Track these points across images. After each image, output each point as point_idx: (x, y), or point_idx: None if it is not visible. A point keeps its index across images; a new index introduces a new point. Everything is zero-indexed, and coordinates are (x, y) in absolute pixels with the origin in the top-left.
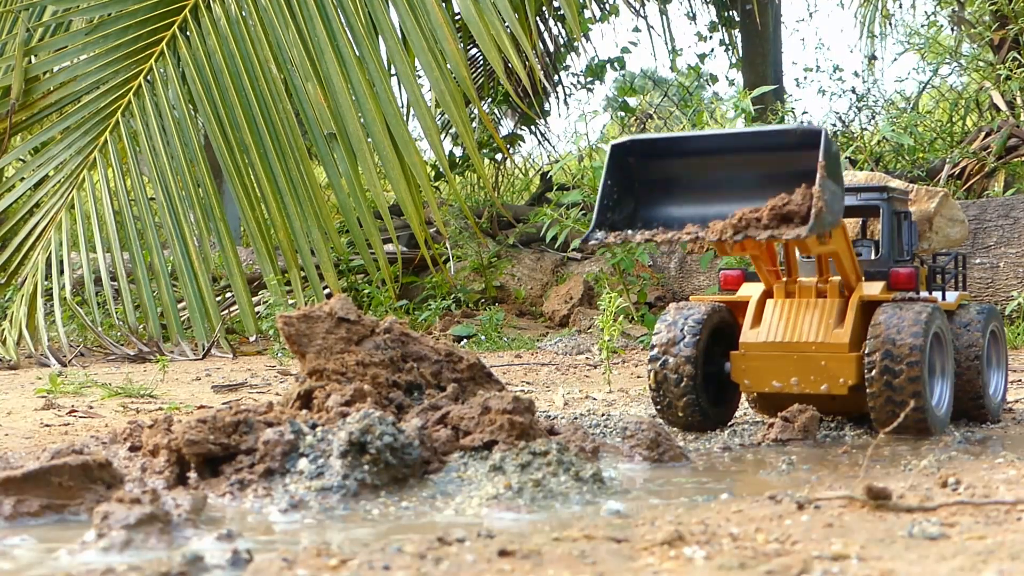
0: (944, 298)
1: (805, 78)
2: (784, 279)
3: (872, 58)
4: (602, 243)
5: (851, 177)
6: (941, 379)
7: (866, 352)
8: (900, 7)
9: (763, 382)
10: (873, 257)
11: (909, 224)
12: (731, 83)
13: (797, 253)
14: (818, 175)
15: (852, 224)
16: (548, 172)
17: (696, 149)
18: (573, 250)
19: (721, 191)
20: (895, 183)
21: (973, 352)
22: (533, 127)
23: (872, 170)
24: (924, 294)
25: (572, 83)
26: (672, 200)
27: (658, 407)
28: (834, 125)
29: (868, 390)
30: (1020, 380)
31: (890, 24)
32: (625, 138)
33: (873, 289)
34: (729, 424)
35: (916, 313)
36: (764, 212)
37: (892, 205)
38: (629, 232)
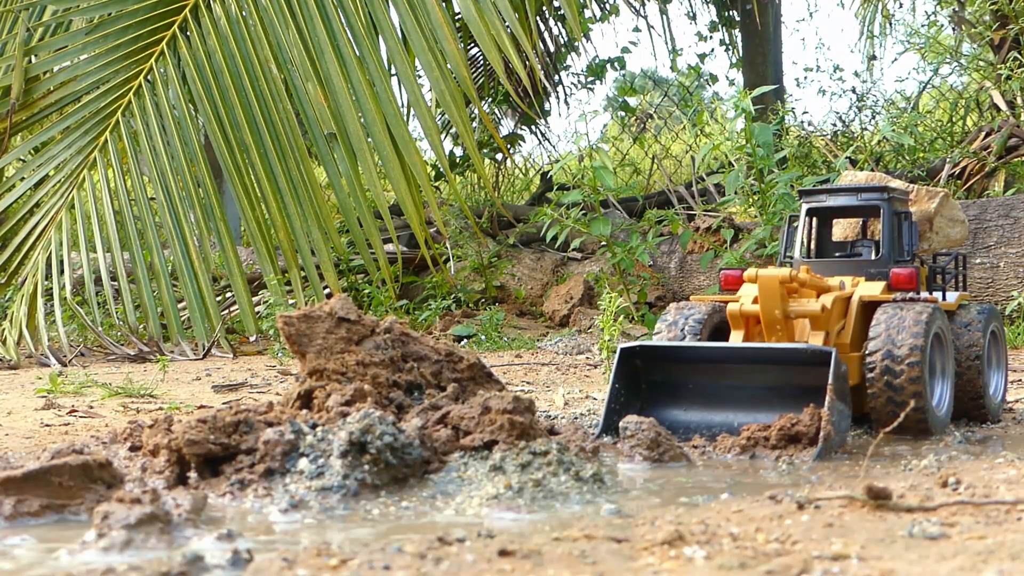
0: (944, 298)
1: (805, 78)
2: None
3: (872, 58)
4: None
5: (851, 177)
6: (941, 379)
7: (867, 352)
8: (900, 7)
9: None
10: (873, 257)
11: (909, 224)
12: (731, 83)
13: (798, 251)
14: (827, 398)
15: (852, 224)
16: (548, 172)
17: (702, 357)
18: (573, 250)
19: (727, 398)
20: (895, 183)
21: (973, 352)
22: (533, 127)
23: (872, 170)
24: (924, 294)
25: (572, 83)
26: (678, 403)
27: None
28: (834, 125)
29: (868, 390)
30: (1020, 380)
31: (890, 24)
32: (633, 343)
33: (873, 289)
34: None
35: (917, 313)
36: (773, 432)
37: (892, 205)
38: None
